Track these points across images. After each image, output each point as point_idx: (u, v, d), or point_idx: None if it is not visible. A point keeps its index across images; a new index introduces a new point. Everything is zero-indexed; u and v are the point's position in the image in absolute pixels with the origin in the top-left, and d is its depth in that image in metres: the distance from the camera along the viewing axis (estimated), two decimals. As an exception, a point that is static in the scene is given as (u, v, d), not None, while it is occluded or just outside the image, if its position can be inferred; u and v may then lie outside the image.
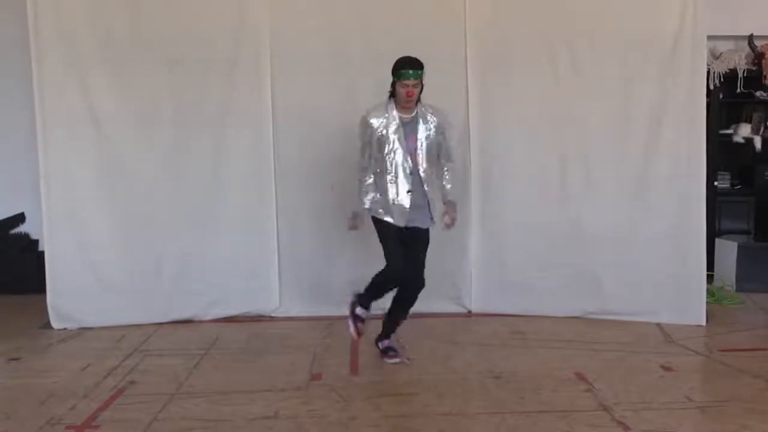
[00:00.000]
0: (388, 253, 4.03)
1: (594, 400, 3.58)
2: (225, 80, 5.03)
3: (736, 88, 6.44)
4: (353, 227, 4.17)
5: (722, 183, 6.58)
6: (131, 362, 4.22)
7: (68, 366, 4.16)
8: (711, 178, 5.65)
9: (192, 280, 5.07)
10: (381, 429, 3.27)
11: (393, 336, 4.32)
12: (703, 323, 4.88)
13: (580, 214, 5.05)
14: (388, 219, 4.02)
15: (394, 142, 3.97)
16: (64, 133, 4.95)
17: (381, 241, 4.09)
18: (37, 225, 5.56)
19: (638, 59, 4.91)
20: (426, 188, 4.04)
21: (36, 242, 6.07)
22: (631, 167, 4.97)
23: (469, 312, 5.25)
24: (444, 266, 5.21)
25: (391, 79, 3.96)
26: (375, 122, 3.99)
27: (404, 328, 4.90)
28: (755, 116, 6.63)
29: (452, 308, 5.24)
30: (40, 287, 5.08)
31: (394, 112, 4.01)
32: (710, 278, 5.63)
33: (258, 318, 5.17)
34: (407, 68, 3.92)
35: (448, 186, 4.20)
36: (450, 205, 4.20)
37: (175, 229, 5.05)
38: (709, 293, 5.26)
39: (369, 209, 4.06)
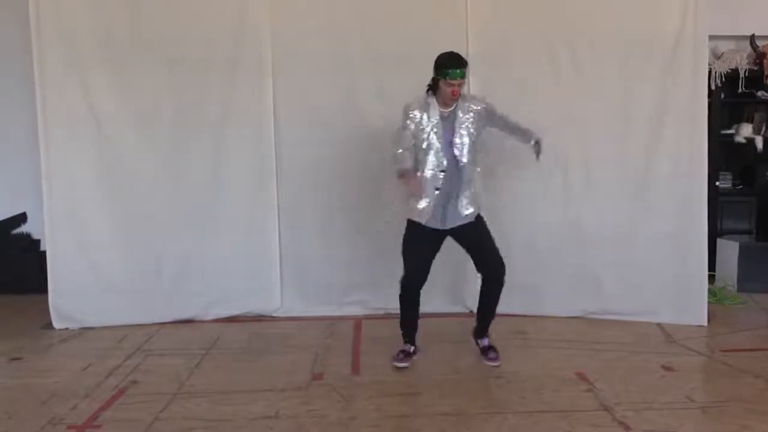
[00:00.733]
0: (403, 253, 4.01)
1: (595, 400, 3.58)
2: (225, 80, 5.02)
3: (738, 88, 6.43)
4: (417, 188, 3.92)
5: (724, 183, 6.57)
6: (133, 362, 4.22)
7: (70, 366, 4.16)
8: (712, 178, 5.63)
9: (193, 280, 5.08)
10: (382, 429, 3.27)
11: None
12: (705, 323, 4.87)
13: (581, 214, 5.04)
14: (423, 221, 3.95)
15: (430, 136, 3.90)
16: (65, 133, 4.95)
17: (403, 242, 4.04)
18: (38, 225, 5.56)
19: (639, 59, 4.90)
20: (465, 182, 3.96)
21: (37, 242, 6.07)
22: (632, 167, 4.96)
23: (471, 312, 5.23)
24: (445, 266, 5.19)
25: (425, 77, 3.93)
26: (415, 113, 3.92)
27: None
28: (757, 116, 6.63)
29: (453, 308, 5.23)
30: (41, 287, 5.09)
31: (434, 107, 3.93)
32: (712, 278, 5.63)
33: (259, 318, 5.17)
34: (454, 67, 3.81)
35: (524, 136, 4.23)
36: (536, 145, 4.22)
37: (176, 228, 5.06)
38: (711, 293, 5.25)
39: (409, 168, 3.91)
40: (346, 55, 5.07)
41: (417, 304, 4.11)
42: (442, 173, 3.93)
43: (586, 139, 5.00)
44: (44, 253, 5.08)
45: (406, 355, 4.13)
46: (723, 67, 6.42)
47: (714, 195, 6.06)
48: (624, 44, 4.91)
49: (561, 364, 4.12)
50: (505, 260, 5.12)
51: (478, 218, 4.07)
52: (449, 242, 5.15)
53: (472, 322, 5.01)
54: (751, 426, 3.26)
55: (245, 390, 3.75)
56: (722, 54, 6.49)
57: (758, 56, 6.40)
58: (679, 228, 4.90)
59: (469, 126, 3.94)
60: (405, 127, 3.96)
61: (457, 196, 3.97)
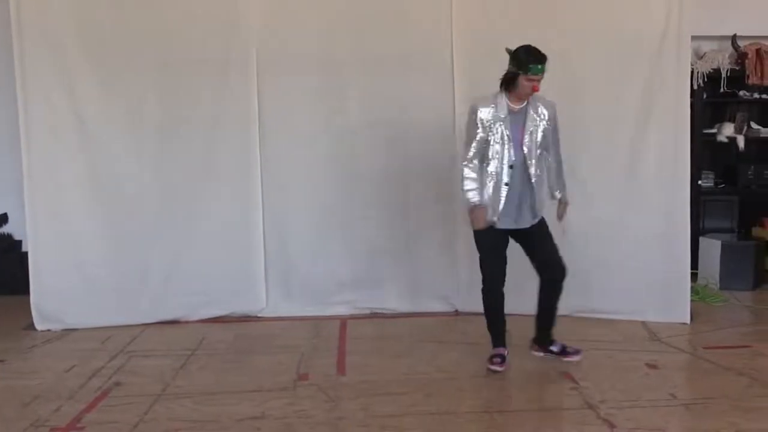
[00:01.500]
0: (482, 259, 3.98)
1: (580, 399, 3.59)
2: (212, 81, 5.00)
3: (720, 87, 6.49)
4: (480, 222, 3.89)
5: (706, 182, 6.64)
6: (117, 363, 4.19)
7: (53, 367, 4.12)
8: (695, 177, 5.69)
9: (178, 281, 5.05)
10: (369, 429, 3.27)
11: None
12: (688, 321, 4.91)
13: (568, 213, 5.05)
14: (495, 220, 3.88)
15: (499, 131, 3.84)
16: (48, 134, 4.90)
17: (477, 244, 3.99)
18: (20, 226, 5.50)
19: (626, 59, 4.93)
20: (533, 182, 3.90)
21: (19, 243, 6.01)
22: (618, 167, 4.99)
23: (457, 311, 5.26)
24: (431, 265, 5.22)
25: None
26: (483, 112, 3.84)
27: (391, 327, 4.93)
28: (738, 116, 6.69)
29: (439, 307, 5.25)
30: (23, 288, 5.03)
31: (504, 103, 3.87)
32: (694, 276, 5.68)
33: (245, 318, 5.15)
34: (536, 62, 3.74)
35: (557, 182, 4.08)
36: (561, 204, 4.11)
37: (161, 229, 5.03)
38: (694, 291, 5.30)
39: (478, 203, 3.85)
40: (332, 56, 5.06)
41: (503, 305, 4.04)
42: (511, 169, 3.86)
43: (574, 139, 5.00)
44: (26, 254, 5.02)
45: (503, 359, 4.01)
46: (705, 67, 6.47)
47: (696, 194, 6.12)
48: (610, 45, 4.93)
49: (546, 362, 4.14)
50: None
51: (542, 219, 4.02)
52: (440, 242, 5.20)
53: (459, 321, 5.06)
54: (734, 422, 3.29)
55: (231, 391, 3.74)
56: (704, 54, 6.55)
57: (740, 56, 6.47)
58: (663, 227, 4.93)
59: (538, 127, 3.90)
60: (475, 133, 3.87)
61: (528, 196, 3.91)
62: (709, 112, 6.72)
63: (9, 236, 6.13)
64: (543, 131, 3.91)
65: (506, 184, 3.86)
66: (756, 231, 6.43)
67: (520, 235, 3.99)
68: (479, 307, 5.13)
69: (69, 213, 4.95)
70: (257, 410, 3.47)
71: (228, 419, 3.37)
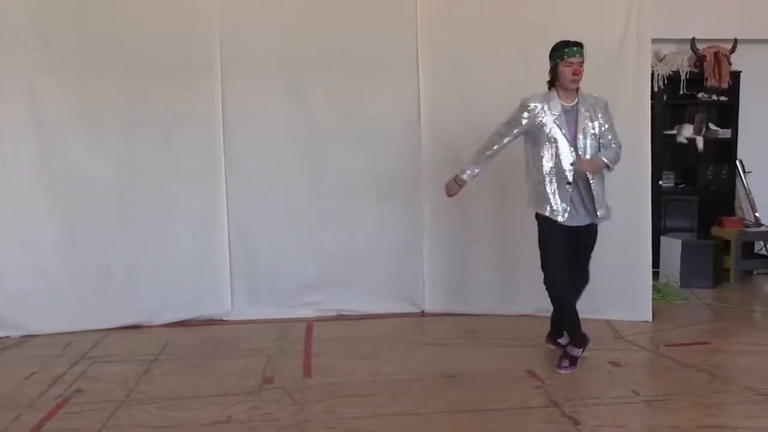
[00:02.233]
0: (544, 259, 3.97)
1: (545, 397, 3.63)
2: (174, 81, 4.93)
3: (680, 89, 6.63)
4: (452, 191, 4.05)
5: (667, 182, 6.76)
6: (78, 369, 4.11)
7: (12, 375, 4.03)
8: (656, 177, 5.78)
9: (141, 284, 4.97)
10: (336, 431, 3.25)
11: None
12: (650, 319, 4.99)
13: (531, 212, 5.09)
14: (558, 218, 3.89)
15: (553, 129, 3.84)
16: (5, 134, 4.79)
17: (540, 243, 3.99)
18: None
19: (587, 61, 4.96)
20: (591, 180, 3.90)
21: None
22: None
23: (423, 312, 5.27)
24: (398, 266, 5.23)
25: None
26: (536, 105, 3.86)
27: (358, 329, 4.93)
28: (697, 117, 6.83)
29: (406, 308, 5.26)
30: (-19, 294, 4.91)
31: (556, 101, 3.88)
32: (656, 275, 5.78)
33: (210, 322, 5.10)
34: (570, 45, 3.82)
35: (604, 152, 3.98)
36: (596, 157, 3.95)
37: (123, 231, 4.94)
38: (656, 290, 5.39)
39: (466, 179, 3.98)
40: (296, 56, 5.04)
41: (573, 301, 4.07)
42: (571, 166, 3.87)
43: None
44: (-17, 258, 4.90)
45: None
46: (665, 70, 6.60)
47: (657, 194, 6.23)
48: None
49: (512, 362, 4.17)
50: (457, 259, 5.22)
51: (596, 228, 4.05)
52: (406, 243, 5.20)
53: (425, 322, 5.08)
54: (695, 418, 3.35)
55: (196, 395, 3.69)
56: (664, 57, 6.67)
57: (698, 59, 6.60)
58: (625, 226, 4.98)
59: (592, 122, 3.91)
60: (516, 120, 3.89)
61: (589, 194, 3.93)
62: (669, 113, 6.85)
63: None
64: (596, 127, 3.92)
65: (568, 183, 3.89)
66: (715, 230, 6.57)
67: (575, 233, 3.98)
68: (445, 308, 5.21)
69: (28, 215, 4.84)
70: (223, 415, 3.43)
71: (193, 424, 3.33)
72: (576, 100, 3.93)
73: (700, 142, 6.71)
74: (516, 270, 5.13)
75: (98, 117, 4.89)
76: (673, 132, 6.77)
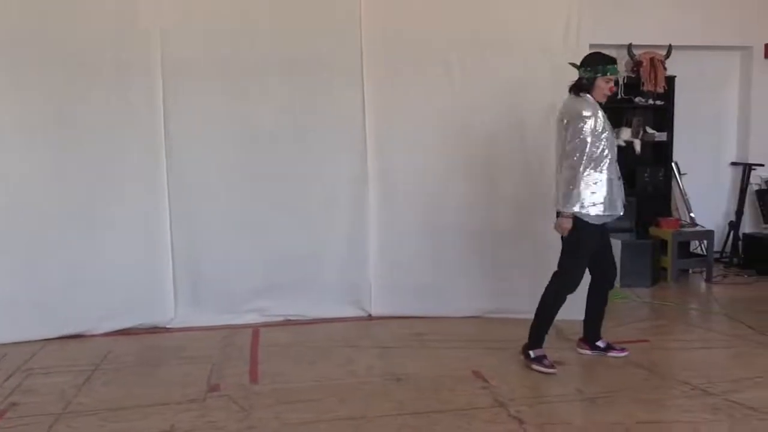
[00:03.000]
0: (576, 259, 4.02)
1: (491, 397, 3.67)
2: (114, 82, 4.81)
3: (617, 94, 6.79)
4: (566, 229, 4.01)
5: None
6: (13, 382, 3.97)
7: (-58, 389, 3.87)
8: (596, 179, 5.90)
9: (80, 292, 4.80)
10: (282, 437, 3.23)
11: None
12: (592, 318, 5.09)
13: (477, 216, 5.16)
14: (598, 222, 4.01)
15: (605, 130, 3.98)
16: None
17: (575, 245, 4.02)
18: None
19: (530, 66, 5.08)
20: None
21: None
22: (527, 168, 5.13)
23: (370, 315, 5.28)
24: (344, 270, 5.22)
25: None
26: (591, 113, 3.96)
27: (304, 334, 4.89)
28: (635, 121, 7.02)
29: (353, 312, 5.25)
30: None
31: (596, 104, 4.03)
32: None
33: (153, 330, 4.98)
34: (612, 63, 4.03)
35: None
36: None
37: (61, 237, 4.78)
38: (597, 289, 5.49)
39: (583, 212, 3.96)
40: (239, 58, 4.97)
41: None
42: (617, 161, 4.04)
43: (480, 142, 5.12)
44: None
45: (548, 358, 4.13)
46: (603, 74, 6.74)
47: (597, 195, 6.35)
48: (515, 49, 5.07)
49: (458, 363, 4.21)
50: (403, 262, 5.23)
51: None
52: (353, 247, 5.19)
53: (372, 326, 5.08)
54: (635, 414, 3.44)
55: (138, 405, 3.61)
56: (603, 62, 6.82)
57: (635, 64, 6.79)
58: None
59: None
60: (581, 132, 3.94)
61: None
62: (607, 117, 6.98)
63: None
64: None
65: (619, 178, 4.08)
66: (653, 230, 6.75)
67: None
68: (392, 311, 5.22)
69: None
70: (166, 424, 3.37)
71: (135, 435, 3.26)
72: None
73: (637, 145, 6.90)
74: (461, 272, 5.18)
75: (32, 121, 4.72)
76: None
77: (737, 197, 7.18)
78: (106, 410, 3.55)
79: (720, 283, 6.49)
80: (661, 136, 6.98)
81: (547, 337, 4.20)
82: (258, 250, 5.09)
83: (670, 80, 6.86)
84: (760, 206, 7.12)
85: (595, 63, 4.05)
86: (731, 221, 7.17)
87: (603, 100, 4.10)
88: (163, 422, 3.39)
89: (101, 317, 4.87)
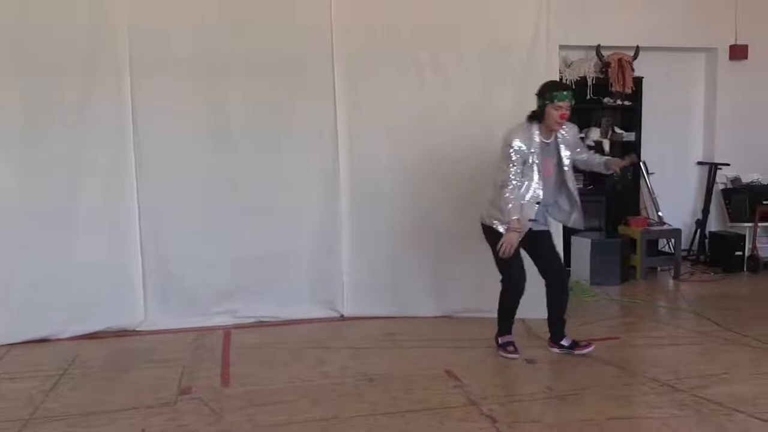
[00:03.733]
0: (505, 263, 4.15)
1: (463, 396, 3.68)
2: (81, 81, 4.74)
3: (587, 94, 6.87)
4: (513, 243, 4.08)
5: (576, 184, 6.97)
6: (-22, 388, 3.90)
7: None
8: (566, 179, 5.95)
9: (47, 295, 4.72)
10: (254, 440, 3.21)
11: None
12: (562, 317, 5.14)
13: (448, 216, 5.17)
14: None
15: (534, 162, 4.06)
16: None
17: (494, 251, 4.14)
18: None
19: (498, 66, 5.11)
20: (562, 195, 4.26)
21: None
22: (492, 168, 5.14)
23: (342, 316, 5.26)
24: (316, 271, 5.20)
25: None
26: (520, 144, 4.03)
27: (276, 335, 4.87)
28: (603, 121, 7.11)
29: (325, 313, 5.24)
30: None
31: (536, 136, 4.07)
32: (568, 274, 5.94)
33: (122, 333, 4.91)
34: (561, 89, 4.07)
35: (601, 158, 4.43)
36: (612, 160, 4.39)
37: (27, 238, 4.69)
38: (567, 288, 5.55)
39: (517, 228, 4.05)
40: (209, 56, 4.93)
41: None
42: (542, 191, 4.13)
43: (451, 140, 5.13)
44: None
45: (514, 344, 4.31)
46: (573, 75, 6.84)
47: (567, 195, 6.41)
48: (485, 49, 5.09)
49: (429, 363, 4.22)
50: (374, 263, 5.23)
51: (548, 230, 4.36)
52: (325, 248, 5.17)
53: (344, 326, 5.07)
54: (606, 411, 3.48)
55: (107, 410, 3.56)
56: (572, 63, 6.91)
57: (604, 65, 6.87)
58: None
59: (570, 152, 4.23)
60: (509, 159, 4.05)
61: (555, 205, 4.30)
62: (576, 117, 7.03)
63: None
64: (573, 156, 4.26)
65: (537, 203, 4.15)
66: (622, 229, 6.84)
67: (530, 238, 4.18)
68: (364, 311, 5.22)
69: None
70: (136, 428, 3.33)
71: (104, 440, 3.21)
72: (554, 136, 4.17)
73: (606, 145, 6.98)
74: (432, 272, 5.20)
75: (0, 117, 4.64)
76: (581, 135, 6.97)
77: (704, 196, 7.31)
78: (75, 415, 3.49)
79: (687, 281, 6.60)
80: (630, 136, 7.08)
81: (515, 332, 4.32)
82: (228, 250, 5.05)
83: (638, 81, 6.96)
84: (726, 205, 7.25)
85: (545, 91, 4.10)
86: (698, 220, 7.30)
87: (556, 128, 4.13)
88: (132, 427, 3.34)
89: (68, 320, 4.79)
